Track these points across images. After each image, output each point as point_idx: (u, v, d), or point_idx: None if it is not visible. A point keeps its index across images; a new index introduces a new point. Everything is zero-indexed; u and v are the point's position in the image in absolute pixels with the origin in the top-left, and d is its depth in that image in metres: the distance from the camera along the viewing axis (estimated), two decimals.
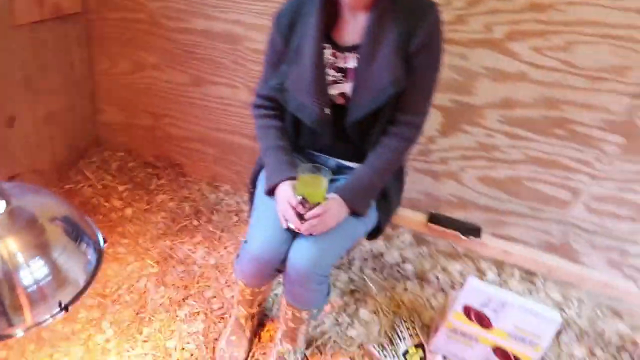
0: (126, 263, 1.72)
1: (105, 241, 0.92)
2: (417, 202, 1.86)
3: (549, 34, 1.43)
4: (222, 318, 1.57)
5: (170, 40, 1.92)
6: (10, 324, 0.78)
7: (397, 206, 1.49)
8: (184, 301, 1.61)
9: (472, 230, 1.54)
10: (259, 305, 1.48)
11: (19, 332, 0.80)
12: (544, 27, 1.43)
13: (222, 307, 1.60)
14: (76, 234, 0.87)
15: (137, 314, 1.54)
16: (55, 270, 0.81)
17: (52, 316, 0.80)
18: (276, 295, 1.66)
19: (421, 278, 1.83)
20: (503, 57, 1.50)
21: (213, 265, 1.76)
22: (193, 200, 2.05)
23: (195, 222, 1.94)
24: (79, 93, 2.11)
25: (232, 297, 1.63)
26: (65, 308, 0.79)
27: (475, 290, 1.41)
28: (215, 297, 1.64)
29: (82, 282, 0.84)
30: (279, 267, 1.26)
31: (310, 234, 1.21)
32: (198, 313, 1.57)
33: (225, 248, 1.83)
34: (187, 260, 1.76)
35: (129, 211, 1.95)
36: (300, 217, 1.19)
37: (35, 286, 0.78)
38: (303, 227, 1.19)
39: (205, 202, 2.05)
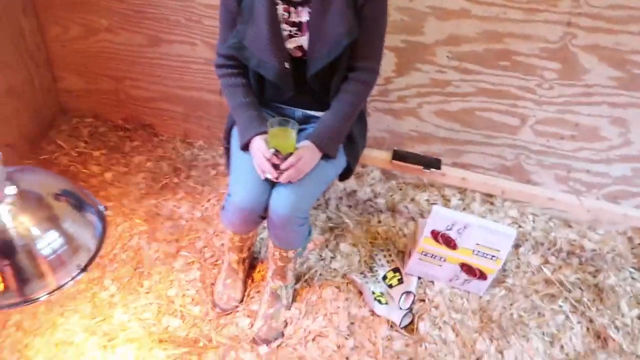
0: (115, 224, 1.81)
1: (105, 208, 1.02)
2: (382, 141, 1.98)
3: None
4: (216, 265, 1.71)
5: (120, 1, 1.89)
6: (36, 289, 0.89)
7: (363, 147, 1.61)
8: (177, 253, 1.73)
9: (433, 163, 1.69)
10: (248, 249, 1.62)
11: (43, 296, 0.90)
12: None
13: (214, 255, 1.73)
14: (79, 205, 0.95)
15: (136, 269, 1.66)
16: (69, 239, 0.91)
17: (72, 278, 0.90)
18: (262, 239, 1.80)
19: (393, 210, 2.00)
20: None
21: (199, 218, 1.87)
22: (169, 158, 2.12)
23: (175, 180, 2.02)
24: (35, 63, 2.08)
25: (222, 245, 1.76)
26: (84, 269, 0.89)
27: (440, 216, 1.58)
28: (206, 246, 1.76)
29: (93, 247, 0.94)
30: (262, 214, 1.39)
31: (288, 182, 1.32)
32: (193, 262, 1.70)
33: (209, 201, 1.94)
34: (174, 216, 1.87)
35: (108, 175, 2.01)
36: (276, 167, 1.30)
37: (54, 255, 0.88)
38: (281, 177, 1.30)
39: (182, 159, 2.12)
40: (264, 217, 1.41)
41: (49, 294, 0.91)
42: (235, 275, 1.63)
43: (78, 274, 0.90)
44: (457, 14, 1.61)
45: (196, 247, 1.76)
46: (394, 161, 1.70)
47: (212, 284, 1.64)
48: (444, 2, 1.59)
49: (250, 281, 1.67)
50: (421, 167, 1.69)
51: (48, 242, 0.87)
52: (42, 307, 1.51)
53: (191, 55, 1.96)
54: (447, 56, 1.71)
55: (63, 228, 0.89)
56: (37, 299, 0.89)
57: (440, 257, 1.66)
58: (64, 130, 2.21)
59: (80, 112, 2.28)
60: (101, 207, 1.02)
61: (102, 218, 0.99)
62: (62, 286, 0.90)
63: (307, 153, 1.33)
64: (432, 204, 2.00)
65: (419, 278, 1.74)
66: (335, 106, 1.39)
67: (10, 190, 0.83)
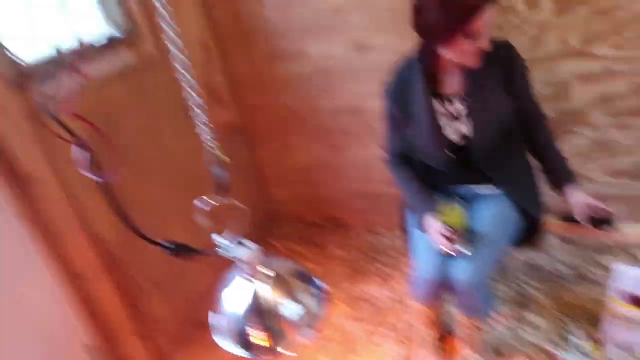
0: None
1: (325, 283, 1.35)
2: (554, 208, 2.02)
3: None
4: (412, 340, 1.90)
5: (311, 122, 2.39)
6: (284, 346, 1.23)
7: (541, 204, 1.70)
8: (377, 329, 1.98)
9: (606, 221, 1.68)
10: (440, 323, 1.79)
11: (290, 351, 1.23)
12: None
13: (410, 331, 1.94)
14: (306, 281, 1.31)
15: (342, 345, 1.94)
16: (302, 305, 1.25)
17: (306, 337, 1.22)
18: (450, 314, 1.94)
19: (577, 275, 1.97)
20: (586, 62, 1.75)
21: (391, 297, 2.12)
22: (359, 247, 2.47)
23: (366, 265, 2.34)
24: (250, 183, 2.67)
25: (416, 321, 1.95)
26: (314, 329, 1.21)
27: (624, 275, 1.55)
28: (401, 323, 1.98)
29: (318, 312, 1.27)
30: (446, 283, 1.55)
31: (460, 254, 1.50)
32: (391, 338, 1.93)
33: (397, 280, 2.20)
34: (369, 297, 2.15)
35: (312, 266, 2.42)
36: (450, 240, 1.50)
37: (294, 319, 1.22)
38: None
39: (370, 246, 2.46)
40: (448, 287, 1.57)
41: (291, 349, 1.23)
42: (432, 348, 1.80)
43: (310, 334, 1.22)
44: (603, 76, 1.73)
45: (391, 323, 1.99)
46: (567, 225, 1.74)
47: (413, 358, 1.83)
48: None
49: (443, 353, 1.81)
50: (595, 228, 1.69)
51: (290, 310, 1.22)
52: None
53: (368, 156, 2.34)
54: (602, 115, 1.78)
55: (298, 298, 1.24)
56: (287, 353, 1.22)
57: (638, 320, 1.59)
58: (275, 233, 2.74)
59: (285, 216, 2.81)
60: (321, 283, 1.37)
61: (323, 291, 1.33)
62: (300, 343, 1.22)
63: (581, 195, 1.52)
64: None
65: (621, 347, 1.65)
66: (548, 152, 1.57)
67: (270, 273, 1.22)
